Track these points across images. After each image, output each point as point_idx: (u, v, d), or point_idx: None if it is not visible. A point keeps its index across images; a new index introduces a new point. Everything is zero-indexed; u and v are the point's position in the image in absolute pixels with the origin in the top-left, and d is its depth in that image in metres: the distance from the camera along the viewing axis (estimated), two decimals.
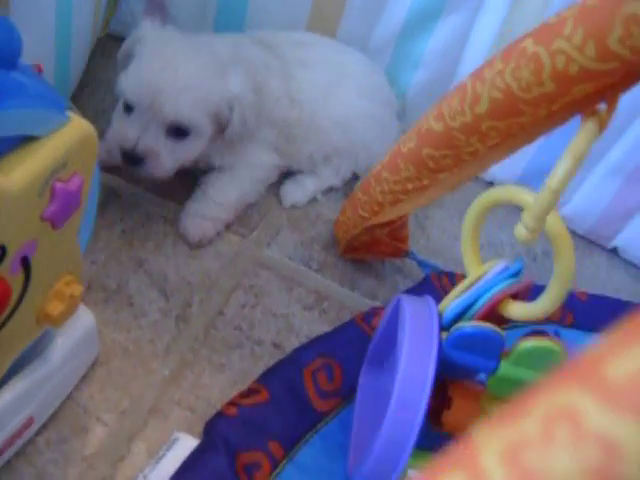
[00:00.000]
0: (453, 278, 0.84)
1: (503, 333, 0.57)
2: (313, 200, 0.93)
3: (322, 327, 0.78)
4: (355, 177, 0.95)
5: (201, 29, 0.99)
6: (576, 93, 0.45)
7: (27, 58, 0.49)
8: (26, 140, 0.45)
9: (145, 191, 0.86)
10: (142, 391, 0.67)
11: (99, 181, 0.57)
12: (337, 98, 0.89)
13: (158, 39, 0.78)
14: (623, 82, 0.44)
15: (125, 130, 0.76)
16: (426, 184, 0.63)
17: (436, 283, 0.83)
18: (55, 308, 0.54)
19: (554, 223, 0.52)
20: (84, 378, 0.66)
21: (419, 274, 0.86)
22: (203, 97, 0.76)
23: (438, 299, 0.64)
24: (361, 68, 0.94)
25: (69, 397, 0.64)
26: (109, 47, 1.05)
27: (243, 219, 0.87)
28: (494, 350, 0.58)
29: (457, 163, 0.59)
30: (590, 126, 0.46)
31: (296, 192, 0.92)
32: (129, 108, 0.76)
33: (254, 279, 0.81)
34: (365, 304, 0.82)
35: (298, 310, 0.79)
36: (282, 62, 0.85)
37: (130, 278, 0.77)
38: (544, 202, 0.48)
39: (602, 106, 0.47)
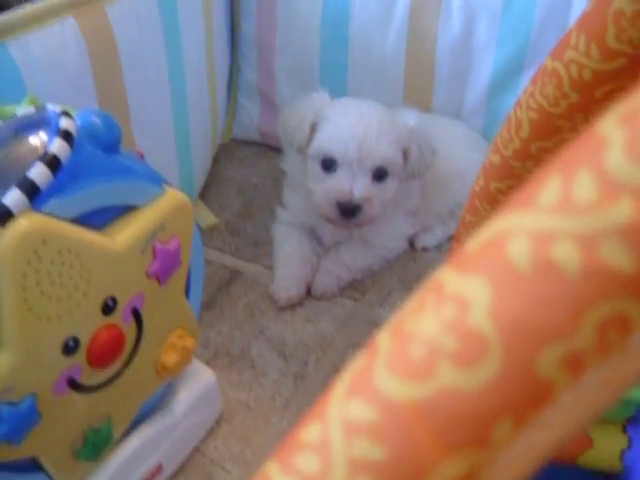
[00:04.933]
0: None
1: None
2: (424, 261, 0.97)
3: None
4: None
5: None
6: (600, 98, 0.48)
7: (154, 166, 0.59)
8: (129, 209, 0.54)
9: (264, 268, 0.95)
10: (263, 442, 0.72)
11: (202, 250, 0.65)
12: (452, 154, 0.96)
13: (338, 102, 0.88)
14: None
15: (337, 186, 0.83)
16: None
17: None
18: (170, 358, 0.61)
19: None
20: (209, 433, 0.73)
21: None
22: (395, 136, 0.85)
23: None
24: (460, 127, 1.02)
25: (196, 449, 0.71)
26: (231, 150, 1.18)
27: (355, 284, 0.93)
28: None
29: None
30: None
31: (427, 237, 1.00)
32: (329, 166, 0.85)
33: (367, 337, 0.85)
34: None
35: None
36: None
37: (252, 344, 0.84)
38: None
39: None
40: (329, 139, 0.84)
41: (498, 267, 0.19)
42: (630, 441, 0.59)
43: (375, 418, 0.20)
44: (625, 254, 0.17)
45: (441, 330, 0.19)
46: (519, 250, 0.18)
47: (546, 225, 0.18)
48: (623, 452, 0.59)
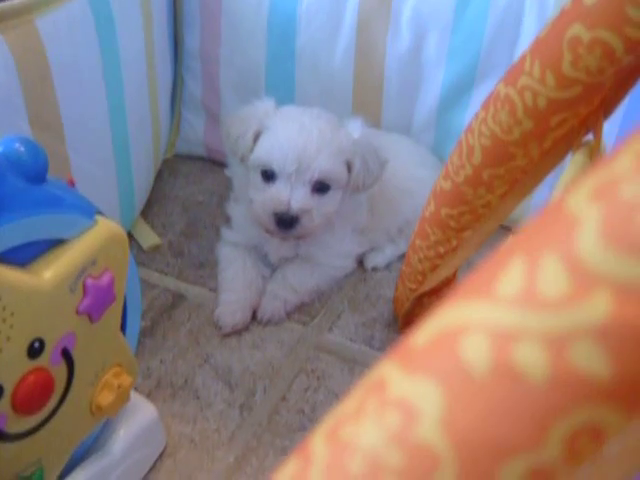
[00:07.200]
0: None
1: None
2: (374, 282, 0.95)
3: None
4: None
5: None
6: (556, 126, 0.46)
7: (92, 185, 0.54)
8: (57, 243, 0.50)
9: (209, 291, 0.91)
10: (208, 479, 0.69)
11: (139, 281, 0.61)
12: (399, 170, 0.94)
13: (281, 112, 0.86)
14: (599, 108, 0.45)
15: (275, 196, 0.81)
16: (455, 245, 0.64)
17: None
18: (105, 398, 0.58)
19: None
20: (152, 469, 0.69)
21: None
22: (337, 148, 0.82)
23: None
24: (408, 143, 1.00)
25: None
26: (175, 166, 1.14)
27: (304, 307, 0.90)
28: None
29: (476, 218, 0.59)
30: (578, 158, 0.47)
31: (377, 256, 0.97)
32: (269, 177, 0.82)
33: (316, 363, 0.82)
34: None
35: None
36: None
37: (196, 373, 0.80)
38: None
39: (590, 137, 0.48)
40: (269, 150, 0.82)
41: (451, 369, 0.16)
42: None
43: None
44: (600, 358, 0.15)
45: (384, 441, 0.17)
46: (475, 350, 0.16)
47: (507, 321, 0.15)
48: None
